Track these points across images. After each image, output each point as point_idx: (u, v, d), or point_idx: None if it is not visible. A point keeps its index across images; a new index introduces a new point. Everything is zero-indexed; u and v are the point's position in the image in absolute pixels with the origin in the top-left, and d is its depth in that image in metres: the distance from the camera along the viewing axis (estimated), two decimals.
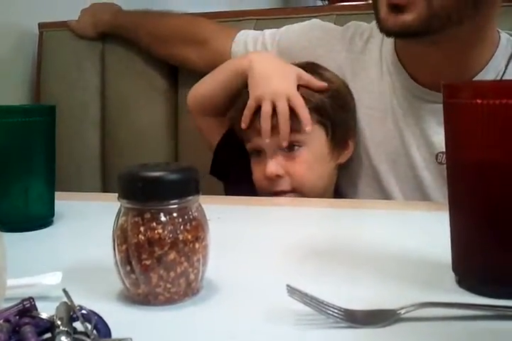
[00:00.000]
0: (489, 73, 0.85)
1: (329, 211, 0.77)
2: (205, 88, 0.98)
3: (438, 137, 0.86)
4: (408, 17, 0.78)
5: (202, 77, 1.15)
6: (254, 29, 1.21)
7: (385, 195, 0.91)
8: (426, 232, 0.63)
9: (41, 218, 0.66)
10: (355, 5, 1.22)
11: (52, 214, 0.68)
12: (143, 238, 0.42)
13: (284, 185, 0.88)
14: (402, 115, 0.90)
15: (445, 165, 0.82)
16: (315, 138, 0.89)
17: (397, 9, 0.78)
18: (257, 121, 0.88)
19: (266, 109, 0.86)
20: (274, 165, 0.88)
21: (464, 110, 0.46)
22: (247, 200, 0.82)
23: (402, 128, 0.90)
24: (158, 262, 0.42)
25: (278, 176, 0.88)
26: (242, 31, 1.11)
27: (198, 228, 0.44)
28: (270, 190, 0.89)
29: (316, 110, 0.89)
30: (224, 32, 1.13)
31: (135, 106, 1.28)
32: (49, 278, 0.42)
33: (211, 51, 1.12)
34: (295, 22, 1.19)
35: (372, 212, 0.74)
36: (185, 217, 0.43)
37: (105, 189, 1.29)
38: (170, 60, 1.21)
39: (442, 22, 0.79)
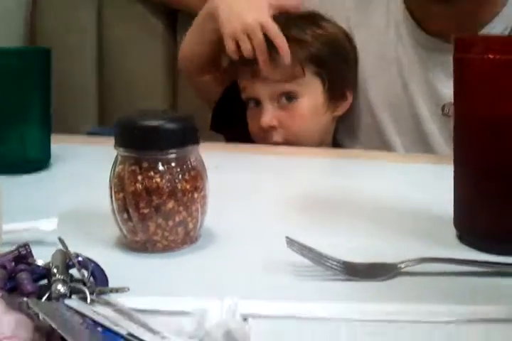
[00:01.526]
0: (500, 22, 0.82)
1: (328, 161, 0.76)
2: (187, 46, 0.96)
3: (445, 89, 0.84)
4: None
5: None
6: None
7: (385, 146, 0.90)
8: (428, 185, 0.62)
9: (38, 161, 0.65)
10: None
11: (49, 157, 0.67)
12: (140, 187, 0.41)
13: (278, 136, 0.87)
14: (407, 64, 0.88)
15: (451, 117, 0.83)
16: (311, 89, 0.87)
17: None
18: (247, 65, 0.86)
19: (245, 46, 0.83)
20: (268, 116, 0.86)
21: (476, 65, 0.44)
22: (246, 148, 0.82)
23: (407, 77, 0.88)
24: (156, 211, 0.41)
25: (272, 127, 0.86)
26: None
27: (196, 178, 0.43)
28: (264, 141, 0.88)
29: (311, 59, 0.86)
30: None
31: (132, 49, 1.24)
32: (45, 223, 0.42)
33: None
34: None
35: (372, 163, 0.73)
36: (184, 166, 0.42)
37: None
38: (170, 3, 1.17)
39: None
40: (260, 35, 0.83)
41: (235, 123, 0.95)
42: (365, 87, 0.91)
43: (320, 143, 0.90)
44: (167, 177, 0.42)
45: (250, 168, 0.70)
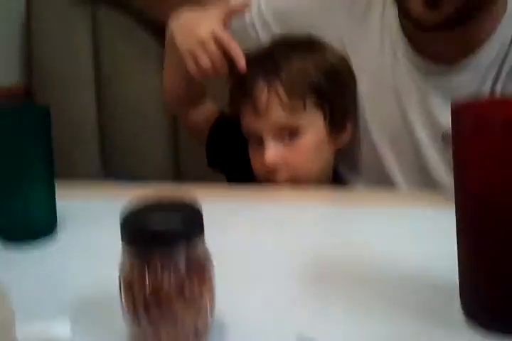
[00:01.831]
0: (497, 41, 0.81)
1: (329, 211, 0.73)
2: (165, 81, 0.96)
3: (444, 115, 0.83)
4: (447, 10, 0.73)
5: None
6: None
7: (385, 177, 0.90)
8: (433, 237, 0.62)
9: (43, 226, 0.65)
10: None
11: (55, 220, 0.67)
12: (148, 290, 0.42)
13: (282, 175, 0.86)
14: (404, 90, 0.86)
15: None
16: (313, 123, 0.86)
17: (434, 2, 0.72)
18: (248, 100, 0.85)
19: (202, 61, 0.82)
20: (272, 154, 0.85)
21: (469, 141, 0.44)
22: (244, 194, 0.80)
23: (405, 105, 0.87)
24: (165, 313, 0.42)
25: (276, 166, 0.85)
26: None
27: (203, 273, 0.43)
28: (267, 179, 0.87)
29: (312, 90, 0.85)
30: None
31: (130, 72, 1.24)
32: (58, 328, 0.42)
33: None
34: None
35: (374, 211, 0.71)
36: (191, 262, 0.43)
37: (103, 157, 1.28)
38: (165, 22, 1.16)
39: (480, 4, 0.75)
40: (214, 49, 0.82)
41: (231, 159, 0.95)
42: (363, 116, 0.90)
43: (321, 179, 0.89)
44: (175, 277, 0.42)
45: (250, 221, 0.70)
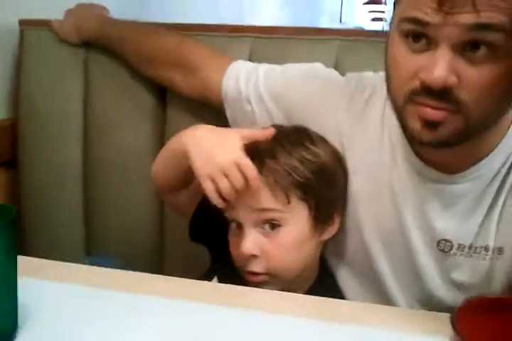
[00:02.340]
0: (499, 154, 0.78)
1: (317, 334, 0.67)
2: (158, 168, 0.93)
3: (441, 222, 0.80)
4: (445, 132, 0.70)
5: (191, 100, 1.09)
6: (251, 49, 1.12)
7: (375, 275, 0.86)
8: None
9: (2, 336, 0.62)
10: (360, 31, 1.12)
11: (15, 330, 0.63)
12: None
13: (258, 266, 0.82)
14: (401, 191, 0.83)
15: (448, 254, 0.79)
16: (297, 217, 0.82)
17: (431, 125, 0.70)
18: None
19: (223, 187, 0.78)
20: (250, 244, 0.81)
21: None
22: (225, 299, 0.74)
23: (401, 206, 0.83)
24: None
25: (253, 256, 0.82)
26: (236, 63, 1.01)
27: None
28: (243, 267, 0.84)
29: (298, 186, 0.81)
30: (216, 61, 1.03)
31: (120, 122, 1.20)
32: None
33: (200, 80, 1.03)
34: (295, 44, 1.11)
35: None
36: None
37: (85, 203, 1.24)
38: (156, 80, 1.13)
39: (479, 130, 0.73)
40: (237, 175, 0.79)
41: (215, 234, 0.91)
42: (356, 211, 0.86)
43: (303, 270, 0.85)
44: None
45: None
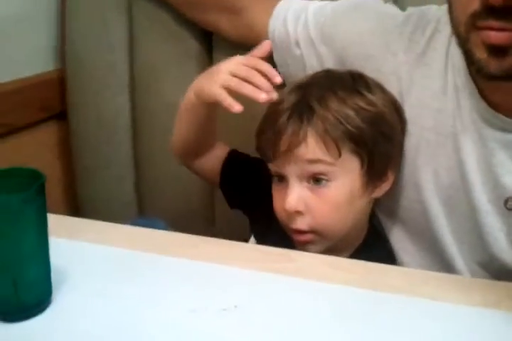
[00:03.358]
0: None
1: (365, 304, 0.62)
2: (176, 134, 0.88)
3: (510, 178, 0.72)
4: None
5: (237, 46, 1.02)
6: None
7: (432, 236, 0.79)
8: None
9: (35, 305, 0.60)
10: None
11: (49, 297, 0.61)
12: None
13: (303, 223, 0.76)
14: (465, 142, 0.74)
15: None
16: (347, 171, 0.75)
17: (499, 51, 0.62)
18: (277, 140, 0.76)
19: (234, 81, 0.73)
20: (294, 199, 0.75)
21: None
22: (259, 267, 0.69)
23: (464, 159, 0.75)
24: None
25: (298, 212, 0.76)
26: (283, 2, 0.93)
27: None
28: (288, 224, 0.78)
29: (351, 138, 0.74)
30: (262, 0, 0.95)
31: (166, 70, 1.14)
32: None
33: (246, 22, 0.96)
34: None
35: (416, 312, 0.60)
36: None
37: (135, 156, 1.22)
38: (201, 24, 1.06)
39: None
40: (244, 67, 0.74)
41: (250, 199, 0.87)
42: (412, 164, 0.79)
43: (352, 230, 0.80)
44: None
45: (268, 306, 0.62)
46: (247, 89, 0.72)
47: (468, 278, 0.76)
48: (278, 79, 0.73)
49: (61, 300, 0.62)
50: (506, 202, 0.73)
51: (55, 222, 0.61)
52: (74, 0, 1.18)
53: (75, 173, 1.25)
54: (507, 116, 0.71)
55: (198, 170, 0.92)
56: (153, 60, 1.15)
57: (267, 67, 0.74)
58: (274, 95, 0.72)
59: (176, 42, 1.13)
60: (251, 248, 0.77)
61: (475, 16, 0.63)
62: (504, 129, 0.72)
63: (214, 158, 0.89)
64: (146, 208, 1.22)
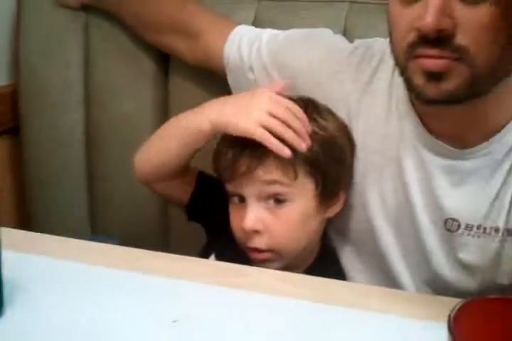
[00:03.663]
0: None
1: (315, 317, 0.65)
2: (157, 157, 0.85)
3: (449, 200, 0.77)
4: (450, 84, 0.66)
5: (193, 67, 1.05)
6: (256, 13, 1.07)
7: (380, 254, 0.83)
8: None
9: None
10: None
11: (0, 307, 0.61)
12: None
13: (261, 242, 0.79)
14: (408, 166, 0.79)
15: (455, 233, 0.76)
16: (303, 193, 0.79)
17: (435, 77, 0.66)
18: (234, 163, 0.78)
19: (274, 123, 0.75)
20: (253, 219, 0.78)
21: None
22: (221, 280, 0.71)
23: (408, 181, 0.79)
24: None
25: (256, 231, 0.78)
26: (239, 28, 0.97)
27: None
28: (245, 243, 0.81)
29: (306, 161, 0.78)
30: (218, 26, 0.99)
31: (121, 89, 1.16)
32: None
33: (202, 46, 0.99)
34: (302, 7, 1.06)
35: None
36: None
37: (88, 171, 1.21)
38: (158, 46, 1.09)
39: (488, 82, 0.68)
40: (282, 109, 0.76)
41: (211, 214, 0.89)
42: (360, 185, 0.83)
43: (306, 248, 0.83)
44: None
45: (223, 318, 0.63)
46: (289, 135, 0.75)
47: (411, 293, 0.80)
48: (309, 128, 0.77)
49: (12, 313, 0.62)
50: (445, 222, 0.78)
51: (7, 235, 0.62)
52: (30, 16, 1.18)
53: (26, 188, 1.24)
54: (446, 143, 0.76)
55: (161, 191, 0.91)
56: (109, 78, 1.16)
57: (302, 114, 0.77)
58: (309, 144, 0.76)
59: (132, 62, 1.15)
60: (204, 263, 0.79)
61: (412, 46, 0.67)
62: (443, 155, 0.76)
63: (185, 181, 0.89)
64: (100, 224, 1.22)
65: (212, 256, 0.86)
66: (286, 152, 0.74)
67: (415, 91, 0.70)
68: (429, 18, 0.63)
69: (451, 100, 0.69)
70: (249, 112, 0.76)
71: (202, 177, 0.90)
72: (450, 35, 0.64)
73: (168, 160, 0.84)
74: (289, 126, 0.76)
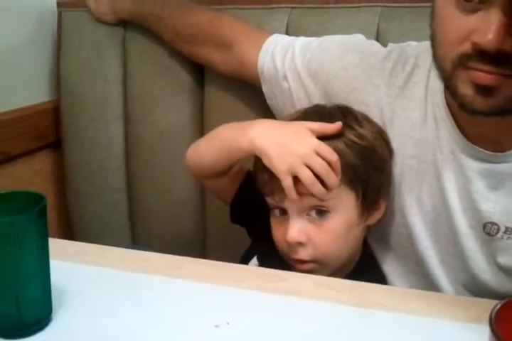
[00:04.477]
0: None
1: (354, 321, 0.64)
2: (200, 154, 0.87)
3: (487, 204, 0.76)
4: (499, 99, 0.65)
5: (228, 78, 1.07)
6: (288, 21, 1.08)
7: (418, 259, 0.82)
8: None
9: (36, 322, 0.62)
10: None
11: (49, 315, 0.64)
12: None
13: (305, 253, 0.79)
14: (445, 171, 0.78)
15: (494, 237, 0.76)
16: (344, 203, 0.78)
17: (485, 90, 0.65)
18: (275, 176, 0.77)
19: (305, 175, 0.75)
20: (296, 231, 0.77)
21: None
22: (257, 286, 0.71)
23: (445, 186, 0.78)
24: None
25: (299, 243, 0.78)
26: (272, 37, 0.98)
27: None
28: (289, 255, 0.81)
29: (346, 172, 0.77)
30: (251, 36, 1.00)
31: (158, 101, 1.19)
32: None
33: (236, 57, 1.01)
34: (334, 14, 1.07)
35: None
36: None
37: (128, 183, 1.24)
38: (193, 58, 1.11)
39: None
40: (319, 160, 0.75)
41: (255, 217, 0.89)
42: (398, 191, 0.82)
43: (349, 256, 0.83)
44: None
45: (262, 324, 0.64)
46: (315, 189, 0.75)
47: (451, 295, 0.79)
48: (335, 184, 0.76)
49: (60, 319, 0.64)
50: (484, 226, 0.77)
51: (52, 244, 0.64)
52: (70, 34, 1.23)
53: (69, 200, 1.27)
54: (482, 147, 0.75)
55: (210, 188, 0.95)
56: (146, 91, 1.19)
57: (338, 168, 0.76)
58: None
59: (168, 74, 1.17)
60: (243, 268, 0.80)
61: (465, 57, 0.65)
62: (480, 159, 0.76)
63: (233, 181, 0.91)
64: (139, 235, 1.24)
65: (254, 259, 0.87)
66: (294, 196, 0.75)
67: (460, 100, 0.68)
68: (490, 35, 0.61)
69: (497, 113, 0.67)
70: (286, 156, 0.76)
71: (248, 178, 0.90)
72: (508, 54, 0.62)
73: (209, 163, 0.86)
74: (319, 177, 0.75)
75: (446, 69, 0.69)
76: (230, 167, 0.86)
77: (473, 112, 0.68)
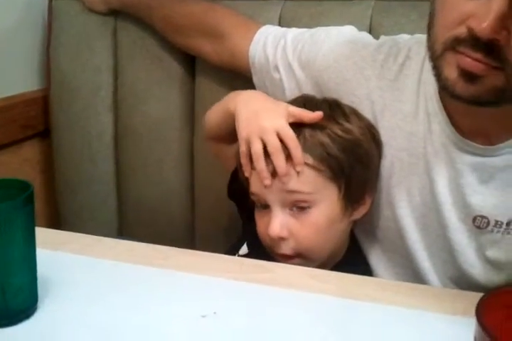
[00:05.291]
0: None
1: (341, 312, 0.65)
2: (209, 120, 0.92)
3: (477, 197, 0.76)
4: (482, 88, 0.65)
5: (219, 69, 1.07)
6: (281, 12, 1.08)
7: (406, 252, 0.82)
8: None
9: (22, 311, 0.62)
10: None
11: (35, 303, 0.63)
12: None
13: (287, 248, 0.79)
14: (436, 164, 0.78)
15: (484, 230, 0.76)
16: (325, 197, 0.78)
17: (469, 76, 0.65)
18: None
19: (255, 148, 0.76)
20: (278, 226, 0.77)
21: None
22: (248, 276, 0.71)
23: (436, 179, 0.78)
24: None
25: (281, 238, 0.78)
26: (263, 28, 0.97)
27: None
28: (272, 249, 0.80)
29: (327, 165, 0.77)
30: (243, 27, 1.00)
31: (149, 92, 1.18)
32: None
33: (228, 47, 1.00)
34: (327, 7, 1.06)
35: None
36: None
37: (118, 174, 1.24)
38: (185, 49, 1.10)
39: None
40: (274, 139, 0.76)
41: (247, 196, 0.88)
42: (387, 184, 0.82)
43: (334, 253, 0.83)
44: None
45: (251, 314, 0.64)
46: (259, 166, 0.76)
47: (438, 288, 0.79)
48: (299, 169, 0.76)
49: (46, 308, 0.64)
50: (474, 220, 0.77)
51: (39, 234, 0.64)
52: (60, 23, 1.21)
53: (57, 190, 1.26)
54: (474, 141, 0.75)
55: (216, 154, 0.97)
56: (137, 82, 1.18)
57: (297, 153, 0.76)
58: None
59: (159, 65, 1.16)
60: (231, 259, 0.80)
61: (457, 40, 0.65)
62: (472, 152, 0.75)
63: (232, 153, 0.90)
64: (127, 225, 1.24)
65: (244, 247, 0.87)
66: (267, 182, 0.76)
67: (443, 82, 0.68)
68: (487, 22, 0.60)
69: (476, 102, 0.67)
70: (250, 124, 0.78)
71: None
72: (500, 46, 0.62)
73: (213, 126, 0.90)
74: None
75: (435, 49, 0.69)
76: (232, 133, 0.85)
77: (453, 96, 0.68)
